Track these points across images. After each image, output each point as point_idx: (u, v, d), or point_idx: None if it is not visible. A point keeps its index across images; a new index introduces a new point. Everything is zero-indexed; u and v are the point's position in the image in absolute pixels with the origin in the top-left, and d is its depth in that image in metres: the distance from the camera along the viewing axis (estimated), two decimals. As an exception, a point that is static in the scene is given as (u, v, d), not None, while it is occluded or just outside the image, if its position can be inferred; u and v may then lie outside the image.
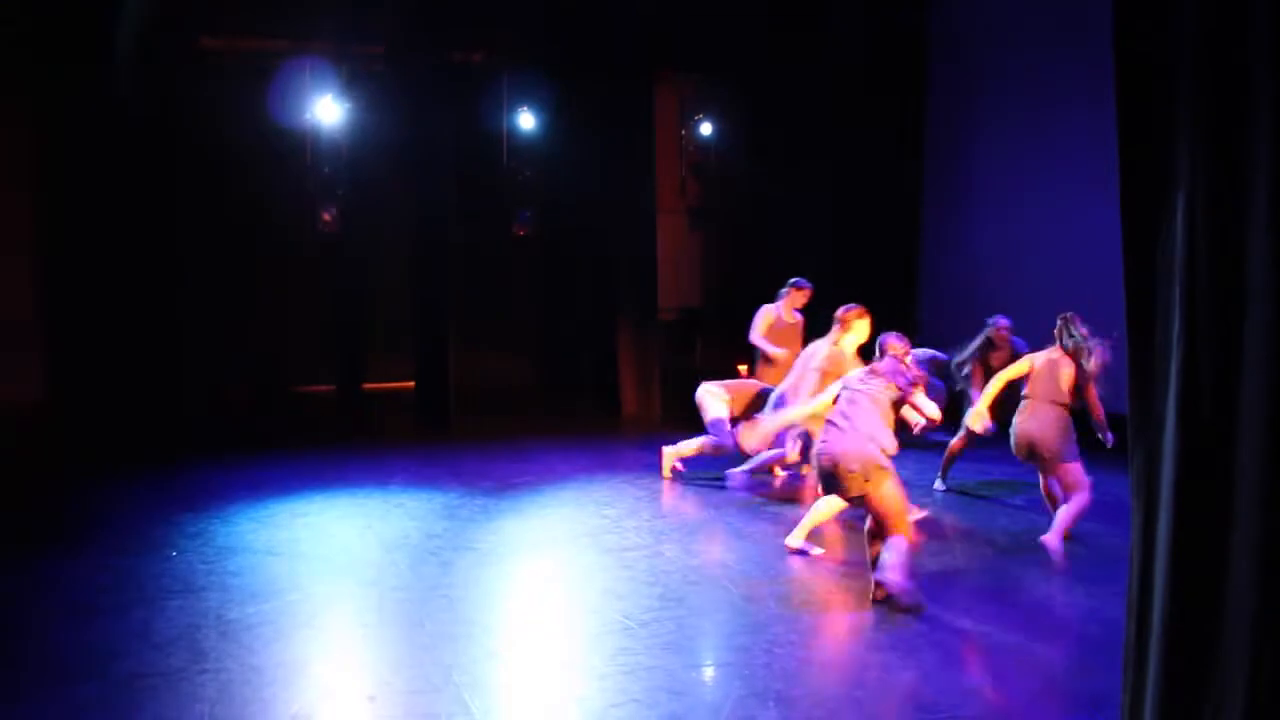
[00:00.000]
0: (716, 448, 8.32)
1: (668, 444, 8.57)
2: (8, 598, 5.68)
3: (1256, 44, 2.64)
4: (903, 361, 5.89)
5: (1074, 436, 6.59)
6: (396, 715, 4.29)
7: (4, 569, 6.19)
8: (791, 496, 8.07)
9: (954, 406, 8.00)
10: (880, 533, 5.57)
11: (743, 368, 12.36)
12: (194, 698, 4.35)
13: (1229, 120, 2.72)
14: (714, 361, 12.46)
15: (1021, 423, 6.66)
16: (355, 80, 11.37)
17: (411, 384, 11.49)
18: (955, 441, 7.99)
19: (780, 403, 7.58)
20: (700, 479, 8.54)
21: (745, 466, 8.53)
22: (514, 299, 13.22)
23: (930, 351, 8.54)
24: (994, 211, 11.35)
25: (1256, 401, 2.68)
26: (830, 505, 6.36)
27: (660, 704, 4.34)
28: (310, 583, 6.00)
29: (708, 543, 7.07)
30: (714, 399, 8.41)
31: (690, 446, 8.40)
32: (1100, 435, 6.62)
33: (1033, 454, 6.64)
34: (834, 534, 6.86)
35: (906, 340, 6.06)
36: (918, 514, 6.94)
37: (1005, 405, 6.89)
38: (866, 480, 5.49)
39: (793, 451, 8.06)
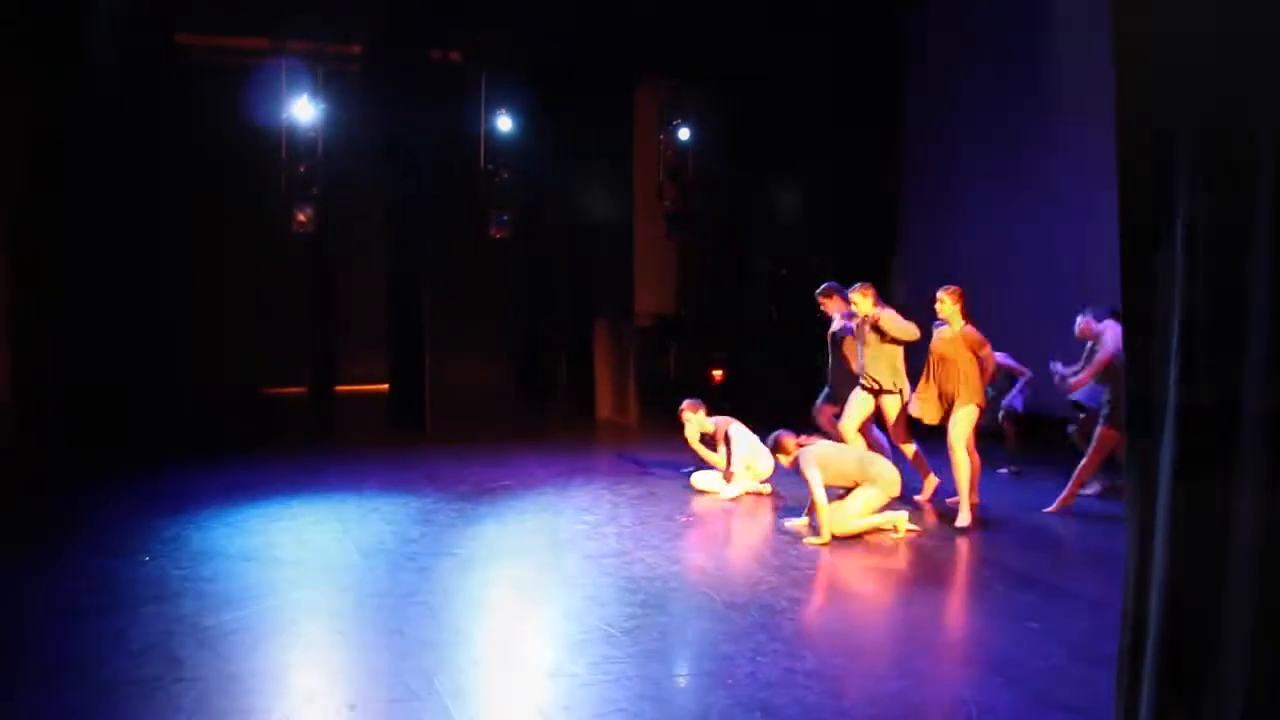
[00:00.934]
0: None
1: (641, 449, 8.54)
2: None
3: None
4: None
5: None
6: (378, 725, 4.23)
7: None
8: (765, 503, 8.09)
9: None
10: None
11: (717, 373, 12.34)
12: (172, 708, 4.27)
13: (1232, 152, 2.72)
14: (689, 368, 12.44)
15: None
16: (332, 79, 11.25)
17: (386, 386, 11.40)
18: None
19: None
20: (677, 482, 8.52)
21: None
22: (491, 302, 13.14)
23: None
24: (975, 217, 11.37)
25: (1254, 423, 2.68)
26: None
27: (645, 713, 4.30)
28: (287, 589, 5.92)
29: (688, 548, 7.04)
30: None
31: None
32: None
33: None
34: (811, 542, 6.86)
35: None
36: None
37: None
38: None
39: None
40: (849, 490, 6.90)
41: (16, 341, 9.98)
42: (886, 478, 6.95)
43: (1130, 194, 2.99)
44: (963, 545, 7.00)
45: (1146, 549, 2.99)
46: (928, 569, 6.53)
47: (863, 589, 6.46)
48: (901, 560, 6.71)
